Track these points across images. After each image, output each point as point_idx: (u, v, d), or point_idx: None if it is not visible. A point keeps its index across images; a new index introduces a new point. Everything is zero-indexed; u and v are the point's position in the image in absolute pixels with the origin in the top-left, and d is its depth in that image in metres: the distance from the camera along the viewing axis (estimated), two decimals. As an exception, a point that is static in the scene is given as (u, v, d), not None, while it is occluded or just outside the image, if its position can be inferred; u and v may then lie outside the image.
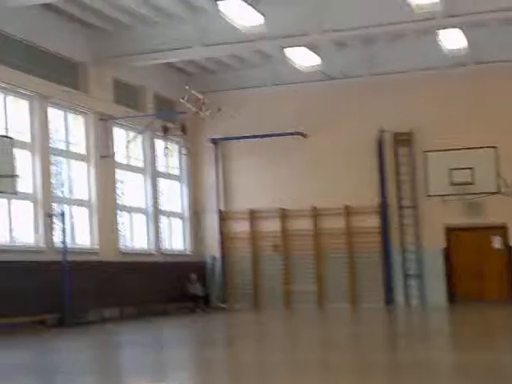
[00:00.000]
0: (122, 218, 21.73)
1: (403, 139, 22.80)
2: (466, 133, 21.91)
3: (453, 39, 19.73)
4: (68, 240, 18.58)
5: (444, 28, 18.98)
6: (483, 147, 21.37)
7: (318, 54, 20.76)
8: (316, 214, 23.40)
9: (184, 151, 22.16)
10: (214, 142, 24.39)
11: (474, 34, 19.93)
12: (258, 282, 23.84)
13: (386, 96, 22.64)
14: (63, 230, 18.20)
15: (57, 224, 18.55)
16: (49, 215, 18.29)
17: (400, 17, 17.95)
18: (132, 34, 19.89)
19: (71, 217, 19.80)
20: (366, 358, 10.70)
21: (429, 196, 22.02)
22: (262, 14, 17.38)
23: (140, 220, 22.53)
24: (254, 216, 24.00)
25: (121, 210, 21.54)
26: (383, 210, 22.76)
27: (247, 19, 17.50)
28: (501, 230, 22.13)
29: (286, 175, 23.62)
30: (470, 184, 21.49)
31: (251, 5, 16.99)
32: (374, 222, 22.82)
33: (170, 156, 21.93)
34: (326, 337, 14.89)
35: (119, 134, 21.52)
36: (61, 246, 18.14)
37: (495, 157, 21.30)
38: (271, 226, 23.74)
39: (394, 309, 22.00)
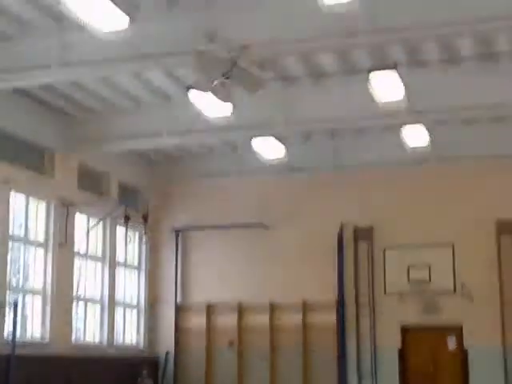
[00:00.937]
0: (77, 308, 21.28)
1: (363, 234, 22.91)
2: (426, 230, 22.14)
3: (416, 136, 20.21)
4: (18, 332, 18.00)
5: (407, 125, 19.48)
6: (441, 245, 21.67)
7: (284, 146, 21.08)
8: (273, 308, 23.17)
9: (145, 240, 22.04)
10: (176, 231, 24.26)
11: (437, 132, 20.43)
12: (212, 378, 23.36)
13: (348, 190, 22.90)
14: (14, 323, 17.62)
15: (8, 315, 17.95)
16: (0, 306, 17.68)
17: (365, 112, 18.41)
18: (101, 120, 20.02)
19: (24, 307, 19.24)
20: None
21: (386, 293, 22.09)
22: (231, 104, 17.67)
23: (95, 310, 22.06)
24: (210, 310, 23.69)
25: (76, 300, 21.11)
26: (340, 307, 22.62)
27: (216, 109, 17.76)
28: (456, 330, 22.02)
29: (246, 268, 23.52)
30: (427, 282, 21.66)
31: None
32: (330, 318, 22.61)
33: (130, 245, 21.78)
34: None
35: (81, 221, 21.30)
36: (10, 338, 17.58)
37: (453, 255, 21.56)
38: (228, 320, 23.43)
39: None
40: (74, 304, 20.91)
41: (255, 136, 20.06)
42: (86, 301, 21.73)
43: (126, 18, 13.53)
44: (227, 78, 11.82)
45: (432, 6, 14.21)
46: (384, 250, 22.23)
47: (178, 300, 24.04)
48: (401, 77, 16.61)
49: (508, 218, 21.51)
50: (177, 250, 24.24)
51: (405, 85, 16.88)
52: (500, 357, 21.31)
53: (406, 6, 14.39)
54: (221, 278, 23.61)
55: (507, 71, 17.54)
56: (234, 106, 17.49)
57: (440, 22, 14.36)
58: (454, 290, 21.52)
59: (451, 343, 22.22)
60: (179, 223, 24.27)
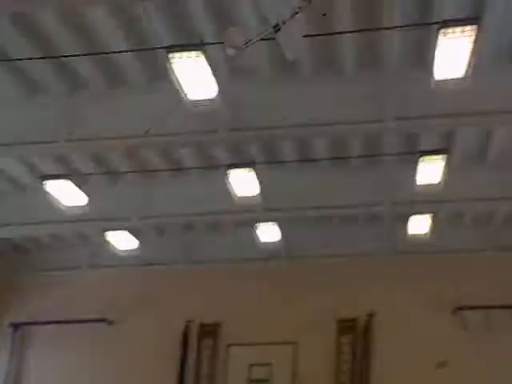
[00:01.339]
0: None
1: (209, 331, 22.65)
2: (270, 327, 22.06)
3: (268, 233, 20.53)
4: None
5: (261, 222, 19.82)
6: (283, 343, 21.68)
7: (138, 239, 20.88)
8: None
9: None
10: (14, 326, 23.05)
11: (288, 230, 20.77)
12: None
13: (198, 285, 22.63)
14: None
15: None
16: None
17: (220, 207, 18.60)
18: None
19: None
20: None
21: (227, 392, 21.89)
22: (86, 195, 17.50)
23: None
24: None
25: None
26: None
27: (71, 200, 17.52)
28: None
29: (86, 365, 22.47)
30: (267, 381, 21.61)
31: (76, 186, 17.14)
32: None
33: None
34: None
35: None
36: None
37: (293, 353, 21.68)
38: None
39: None
40: None
41: (109, 229, 19.82)
42: None
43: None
44: (278, 29, 9.35)
45: (288, 109, 14.84)
46: (228, 348, 22.08)
47: (8, 401, 22.81)
48: (257, 174, 17.02)
49: (347, 318, 21.95)
50: (13, 346, 22.98)
51: (260, 183, 17.28)
52: None
53: (264, 109, 14.96)
54: (59, 377, 22.46)
55: (357, 173, 18.38)
56: (89, 197, 17.38)
57: (296, 123, 14.99)
58: (295, 388, 21.63)
59: None
60: (19, 318, 23.05)
